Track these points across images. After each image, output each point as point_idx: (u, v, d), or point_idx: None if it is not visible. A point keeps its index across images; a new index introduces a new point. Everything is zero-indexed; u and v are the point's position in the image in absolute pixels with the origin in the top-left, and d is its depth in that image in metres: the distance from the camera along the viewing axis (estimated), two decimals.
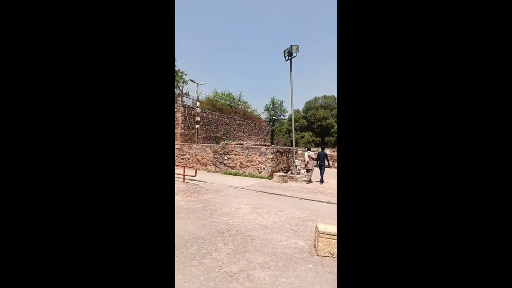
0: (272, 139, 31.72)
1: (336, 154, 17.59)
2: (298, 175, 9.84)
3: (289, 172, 10.94)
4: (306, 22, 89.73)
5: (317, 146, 30.97)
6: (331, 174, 12.07)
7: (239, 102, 29.53)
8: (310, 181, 9.57)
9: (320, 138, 37.02)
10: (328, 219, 4.71)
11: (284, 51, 9.79)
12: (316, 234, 3.20)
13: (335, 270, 2.70)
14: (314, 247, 3.27)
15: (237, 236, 3.62)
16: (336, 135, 32.18)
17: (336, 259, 2.99)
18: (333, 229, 3.10)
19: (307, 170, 9.74)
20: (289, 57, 9.68)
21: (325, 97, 41.13)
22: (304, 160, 9.88)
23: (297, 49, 9.40)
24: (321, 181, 9.51)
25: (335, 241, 3.02)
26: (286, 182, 9.18)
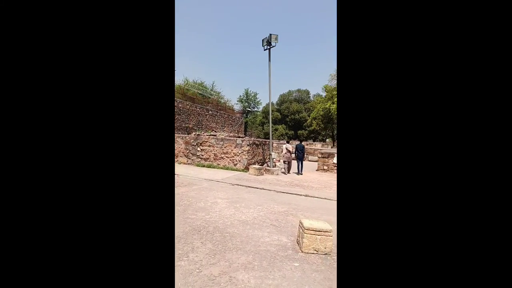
0: (245, 131, 31.46)
1: (310, 147, 17.99)
2: (274, 168, 9.77)
3: (265, 164, 10.83)
4: (283, 14, 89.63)
5: (290, 139, 31.41)
6: (305, 167, 12.16)
7: (212, 92, 28.73)
8: (288, 173, 9.78)
9: (293, 131, 37.63)
10: (308, 213, 4.63)
11: (262, 40, 9.49)
12: (301, 230, 3.05)
13: (322, 268, 2.58)
14: (298, 243, 3.13)
15: (215, 234, 3.35)
16: (308, 129, 32.86)
17: (321, 256, 2.89)
18: (318, 224, 2.97)
19: (284, 162, 9.88)
20: (268, 47, 9.41)
21: (298, 91, 41.72)
22: (282, 151, 9.97)
23: (276, 38, 9.15)
24: (299, 172, 9.85)
25: (320, 237, 2.90)
26: (262, 174, 9.03)
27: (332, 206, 5.31)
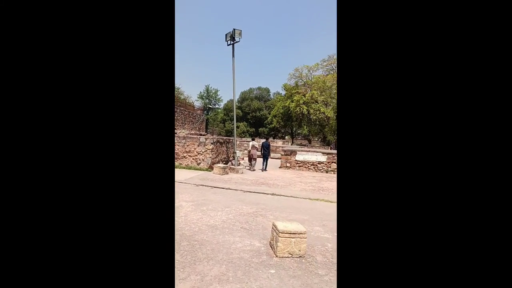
0: (206, 128, 30.61)
1: (272, 145, 18.28)
2: (239, 166, 9.61)
3: (229, 163, 10.60)
4: (245, 9, 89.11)
5: (252, 136, 31.57)
6: (268, 164, 12.25)
7: None
8: (254, 170, 9.99)
9: (254, 129, 37.82)
10: (277, 213, 4.58)
11: (226, 34, 9.19)
12: (275, 233, 2.95)
13: (299, 273, 2.51)
14: (271, 247, 3.03)
15: (182, 243, 3.06)
16: (269, 126, 33.38)
17: (296, 259, 2.82)
18: (292, 227, 2.90)
19: (250, 159, 10.05)
20: (232, 42, 9.14)
21: (259, 88, 42.01)
22: (249, 148, 10.08)
23: (240, 34, 8.93)
24: (264, 169, 10.11)
25: (295, 240, 2.83)
26: (227, 173, 8.80)
27: (298, 204, 5.36)
